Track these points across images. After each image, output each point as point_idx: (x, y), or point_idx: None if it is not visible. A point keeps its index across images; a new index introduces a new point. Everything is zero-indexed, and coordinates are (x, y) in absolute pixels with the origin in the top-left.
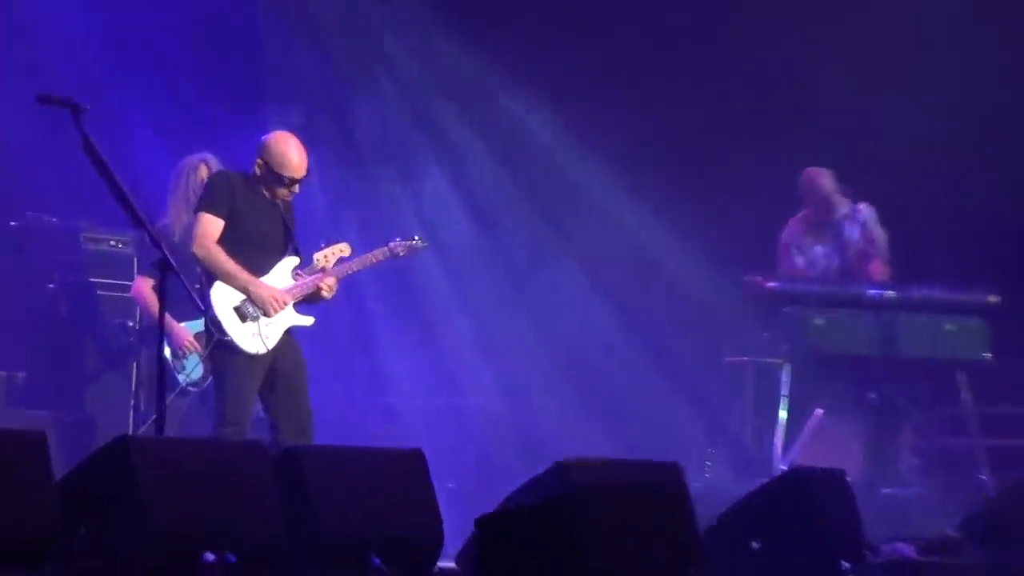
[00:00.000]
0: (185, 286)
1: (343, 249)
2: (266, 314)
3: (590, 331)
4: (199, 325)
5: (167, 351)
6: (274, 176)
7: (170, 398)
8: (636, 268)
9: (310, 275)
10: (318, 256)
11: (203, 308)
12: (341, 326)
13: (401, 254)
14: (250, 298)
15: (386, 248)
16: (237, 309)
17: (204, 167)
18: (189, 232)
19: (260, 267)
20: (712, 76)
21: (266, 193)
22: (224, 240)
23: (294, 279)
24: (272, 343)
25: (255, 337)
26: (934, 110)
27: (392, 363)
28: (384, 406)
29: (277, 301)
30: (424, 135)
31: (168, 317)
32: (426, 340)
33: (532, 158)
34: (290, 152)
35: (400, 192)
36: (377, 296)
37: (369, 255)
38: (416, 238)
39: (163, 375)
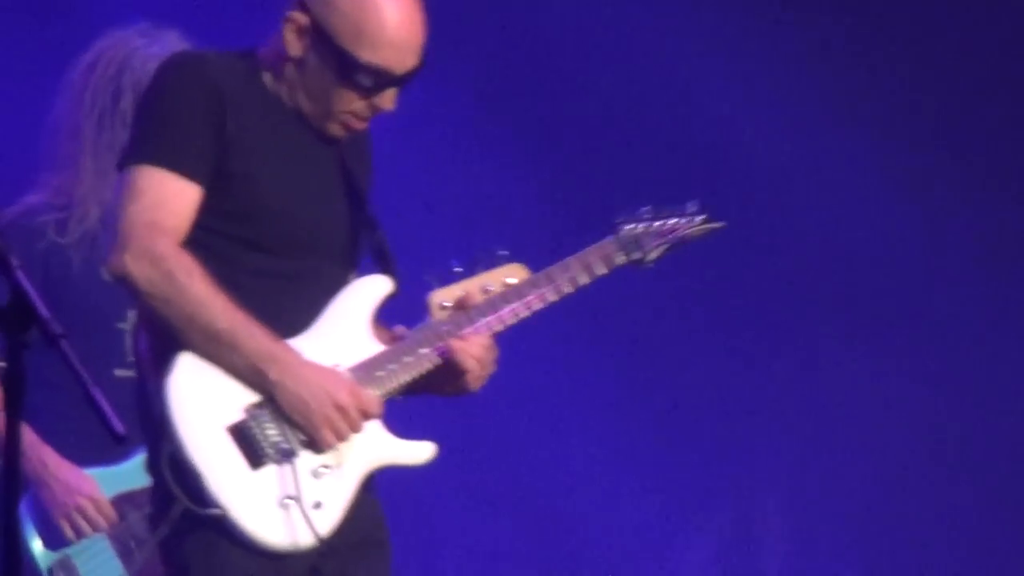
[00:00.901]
0: (79, 373)
1: (511, 275)
2: (314, 446)
3: None
4: (132, 475)
5: (34, 543)
6: (335, 62)
7: None
8: None
9: (430, 332)
10: (440, 300)
11: (123, 429)
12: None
13: (654, 254)
14: (275, 401)
15: (613, 243)
16: (239, 432)
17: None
18: (106, 222)
19: (294, 306)
20: None
21: (309, 112)
22: (202, 239)
23: (380, 339)
24: (330, 522)
25: (286, 509)
26: None
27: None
28: None
29: (344, 411)
30: None
31: (39, 449)
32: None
33: None
34: (388, 7)
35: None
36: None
37: (570, 266)
38: (694, 213)
39: None
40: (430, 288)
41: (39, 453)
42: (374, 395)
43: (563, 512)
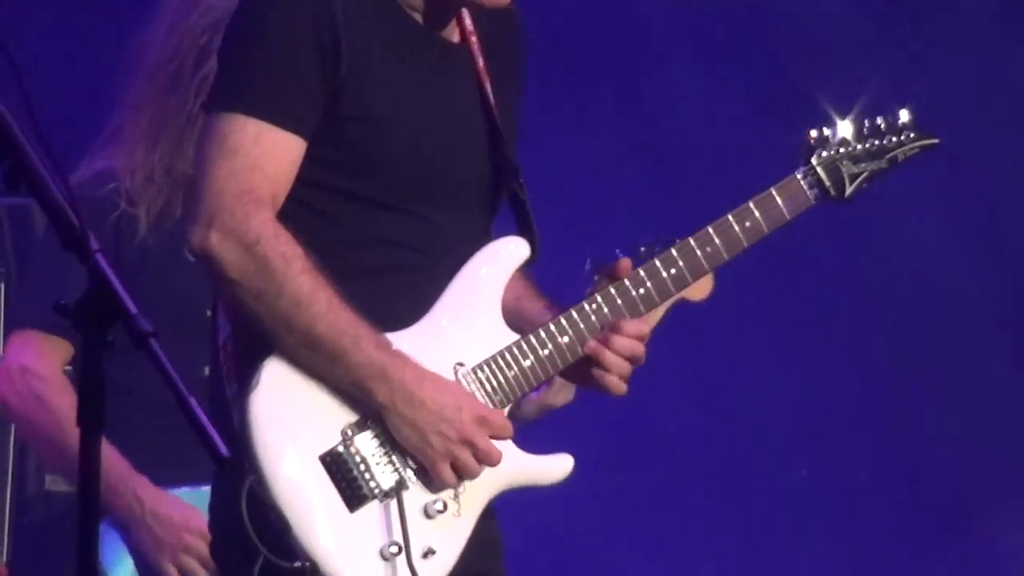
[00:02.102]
0: (173, 381)
1: None
2: (428, 479)
3: None
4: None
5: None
6: None
7: None
8: None
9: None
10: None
11: (229, 452)
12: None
13: (853, 187)
14: (382, 423)
15: (802, 178)
16: (334, 462)
17: None
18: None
19: (418, 282)
20: None
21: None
22: (305, 196)
23: (520, 313)
24: (441, 574)
25: (388, 560)
26: None
27: None
28: None
29: (471, 445)
30: None
31: (132, 482)
32: None
33: None
34: None
35: None
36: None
37: (745, 215)
38: (905, 127)
39: None
40: (590, 281)
41: (132, 486)
42: (506, 423)
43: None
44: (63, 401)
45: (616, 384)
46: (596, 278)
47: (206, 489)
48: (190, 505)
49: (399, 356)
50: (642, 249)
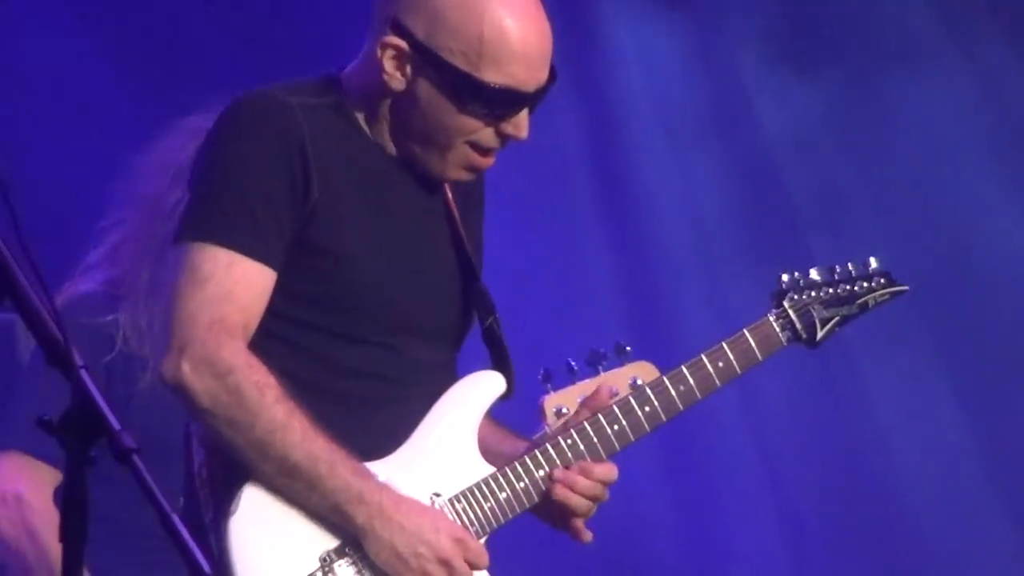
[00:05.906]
0: (156, 498)
1: (639, 375)
2: None
3: None
4: None
5: None
6: (451, 89)
7: None
8: None
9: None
10: (555, 405)
11: (211, 570)
12: None
13: (825, 330)
14: (362, 548)
15: (775, 320)
16: None
17: None
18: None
19: (390, 413)
20: None
21: (419, 156)
22: (275, 328)
23: (492, 448)
24: None
25: None
26: None
27: None
28: None
29: (448, 566)
30: None
31: None
32: None
33: None
34: (508, 15)
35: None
36: None
37: (718, 356)
38: (875, 273)
39: None
40: (543, 390)
41: None
42: (482, 550)
43: None
44: (54, 539)
45: (579, 532)
46: (548, 387)
47: None
48: None
49: (374, 481)
50: (574, 368)
